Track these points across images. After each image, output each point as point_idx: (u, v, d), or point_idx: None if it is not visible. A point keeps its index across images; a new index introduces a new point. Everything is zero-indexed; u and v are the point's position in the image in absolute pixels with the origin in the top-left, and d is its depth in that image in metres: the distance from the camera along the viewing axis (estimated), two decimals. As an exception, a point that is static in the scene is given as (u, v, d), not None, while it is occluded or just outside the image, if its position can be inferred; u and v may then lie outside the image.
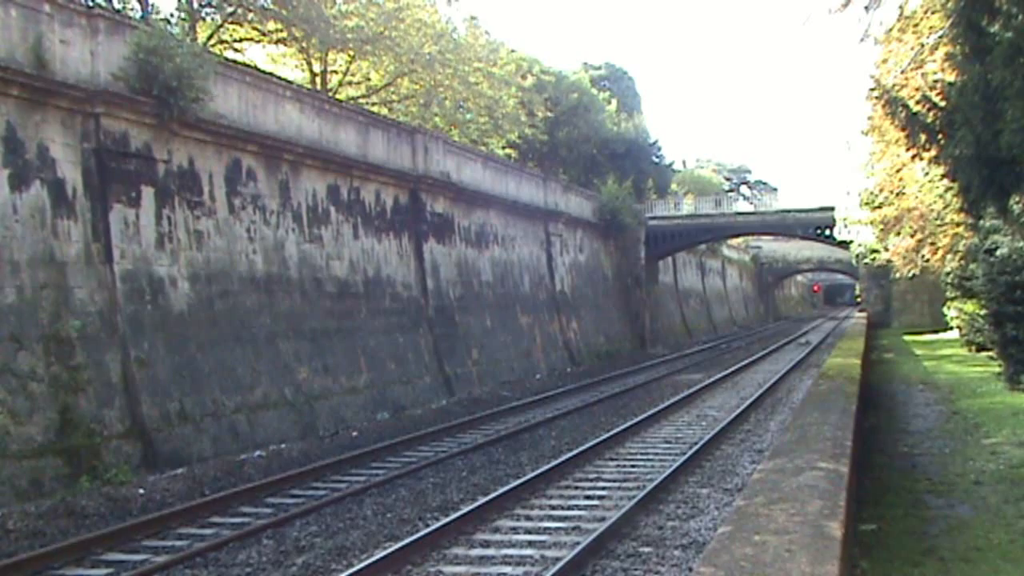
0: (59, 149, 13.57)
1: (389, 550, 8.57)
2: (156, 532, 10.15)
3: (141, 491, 12.16)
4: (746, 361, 31.54)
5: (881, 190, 27.84)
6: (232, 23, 27.28)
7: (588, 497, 11.20)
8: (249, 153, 17.80)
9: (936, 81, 11.63)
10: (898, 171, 24.16)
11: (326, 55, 29.82)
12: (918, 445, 12.90)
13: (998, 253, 17.59)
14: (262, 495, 11.91)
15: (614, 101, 51.56)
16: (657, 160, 54.48)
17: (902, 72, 16.52)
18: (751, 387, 23.37)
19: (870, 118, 22.55)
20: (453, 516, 9.83)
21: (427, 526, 9.74)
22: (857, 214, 34.16)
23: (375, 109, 29.30)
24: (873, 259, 38.69)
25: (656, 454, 14.17)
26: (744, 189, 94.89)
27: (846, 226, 38.46)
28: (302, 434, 16.77)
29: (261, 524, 10.22)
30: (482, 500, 10.64)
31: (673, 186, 60.59)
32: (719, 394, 22.33)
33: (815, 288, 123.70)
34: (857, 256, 43.65)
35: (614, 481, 12.15)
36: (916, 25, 15.80)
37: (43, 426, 12.10)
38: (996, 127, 8.55)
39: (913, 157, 12.42)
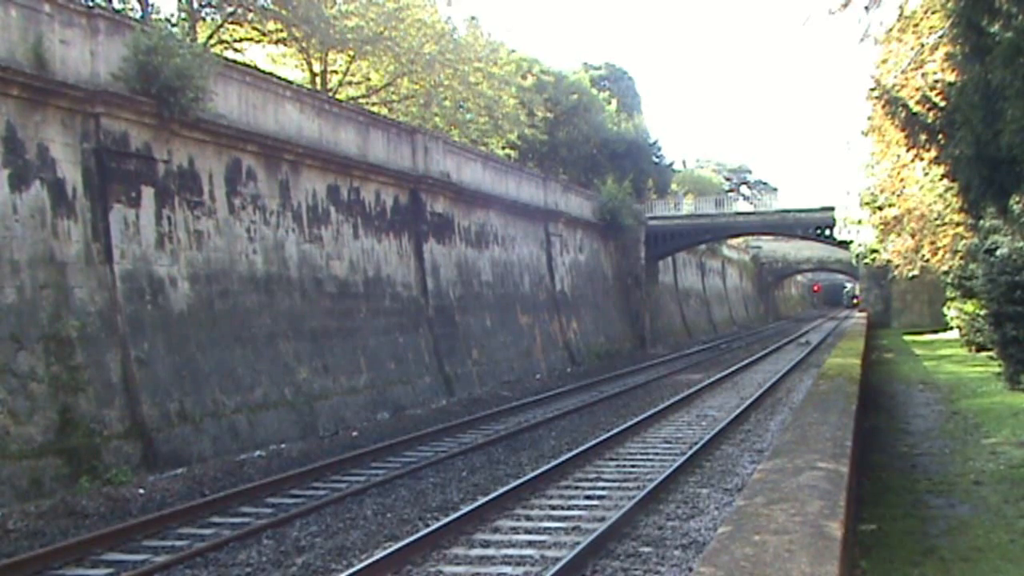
0: (59, 149, 13.57)
1: (389, 550, 8.57)
2: (156, 532, 10.15)
3: (141, 491, 12.16)
4: (746, 361, 31.54)
5: (882, 190, 27.84)
6: (232, 23, 27.28)
7: (588, 497, 11.20)
8: (249, 153, 17.80)
9: (936, 81, 11.64)
10: (898, 172, 24.15)
11: (326, 55, 29.82)
12: (918, 445, 12.90)
13: (998, 253, 17.59)
14: (262, 495, 11.91)
15: (614, 101, 51.55)
16: (657, 160, 54.47)
17: (902, 72, 16.52)
18: (751, 387, 23.37)
19: (870, 118, 22.52)
20: (453, 516, 9.83)
21: (427, 526, 9.74)
22: (857, 214, 34.15)
23: (375, 109, 29.30)
24: (873, 259, 38.67)
25: (656, 454, 14.17)
26: (744, 189, 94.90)
27: (846, 226, 38.44)
28: (302, 434, 16.77)
29: (261, 524, 10.22)
30: (482, 500, 10.64)
31: (673, 186, 60.59)
32: (719, 394, 22.33)
33: (815, 288, 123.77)
34: (857, 256, 43.66)
35: (614, 481, 12.15)
36: (916, 25, 15.80)
37: (43, 426, 12.10)
38: (996, 127, 8.55)
39: (913, 157, 12.44)
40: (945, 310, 36.67)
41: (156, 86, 14.74)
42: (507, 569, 8.33)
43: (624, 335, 41.16)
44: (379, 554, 8.53)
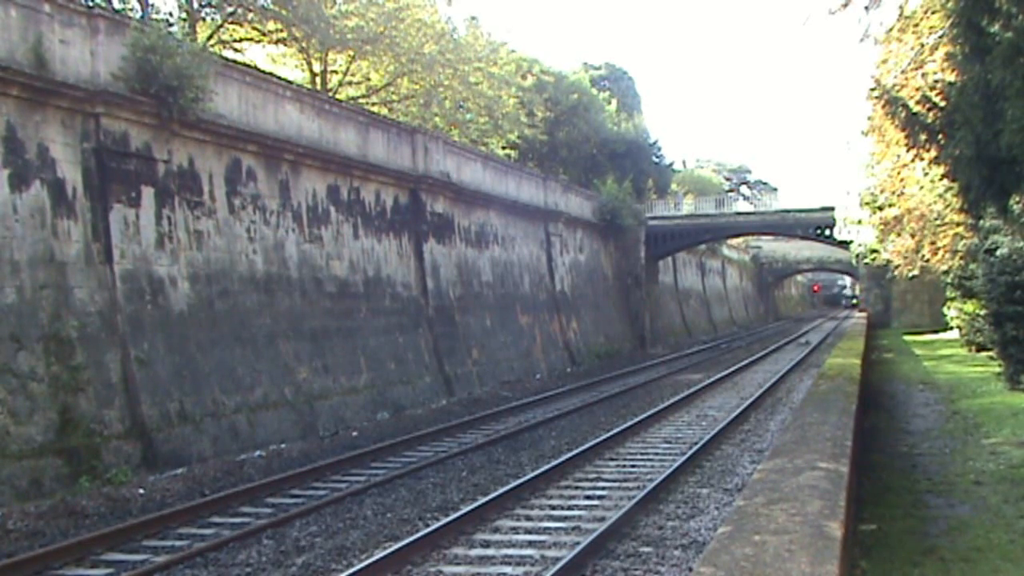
0: (59, 149, 13.57)
1: (389, 550, 8.57)
2: (156, 532, 10.15)
3: (141, 491, 12.16)
4: (746, 361, 31.54)
5: (882, 190, 27.85)
6: (232, 23, 27.27)
7: (588, 497, 11.20)
8: (249, 153, 17.80)
9: (936, 81, 11.63)
10: (898, 172, 24.15)
11: (326, 55, 29.81)
12: (918, 445, 12.90)
13: (998, 253, 17.59)
14: (262, 495, 11.91)
15: (614, 101, 51.55)
16: (657, 160, 54.48)
17: (902, 72, 16.52)
18: (751, 387, 23.37)
19: (870, 118, 22.52)
20: (453, 516, 9.83)
21: (427, 526, 9.75)
22: (857, 214, 34.17)
23: (375, 109, 29.29)
24: (873, 259, 38.69)
25: (656, 454, 14.17)
26: (744, 189, 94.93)
27: (846, 226, 38.46)
28: (302, 434, 16.77)
29: (261, 524, 10.22)
30: (482, 500, 10.64)
31: (673, 186, 60.60)
32: (719, 394, 22.33)
33: (815, 288, 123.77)
34: (857, 256, 43.67)
35: (614, 481, 12.15)
36: (916, 25, 15.80)
37: (43, 426, 12.10)
38: (996, 127, 8.55)
39: (913, 157, 12.42)
40: (945, 310, 36.67)
41: (156, 86, 14.74)
42: (507, 569, 8.33)
43: (624, 335, 41.15)
44: (379, 554, 8.53)
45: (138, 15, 22.50)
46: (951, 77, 10.67)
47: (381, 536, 9.66)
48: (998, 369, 19.14)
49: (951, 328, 35.84)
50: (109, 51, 14.44)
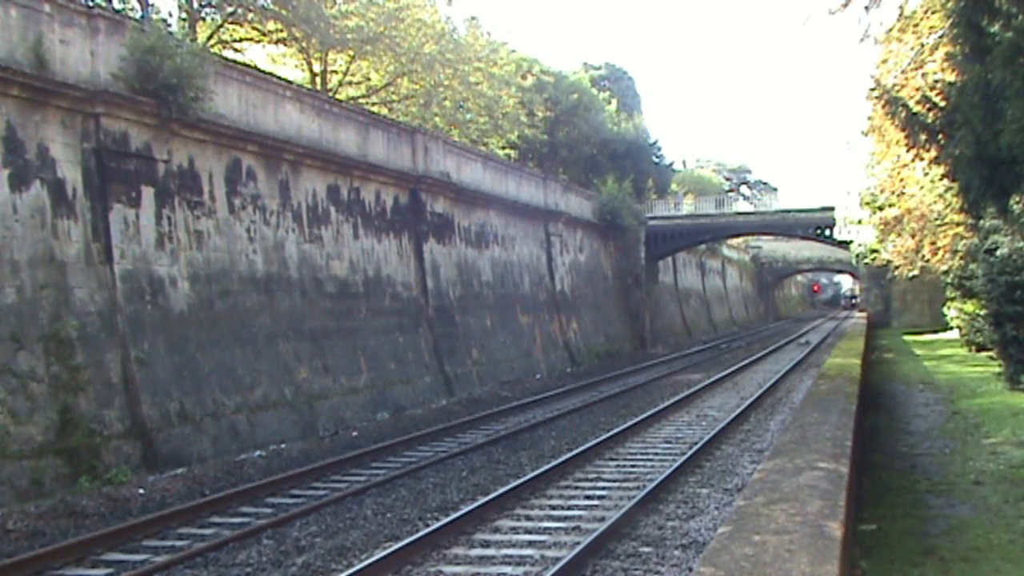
0: (59, 149, 13.57)
1: (389, 550, 8.57)
2: (156, 532, 10.15)
3: (141, 491, 12.16)
4: (746, 361, 31.53)
5: (882, 190, 27.87)
6: (232, 23, 27.29)
7: (588, 497, 11.20)
8: (249, 153, 17.80)
9: (936, 81, 11.64)
10: (898, 172, 24.16)
11: (326, 55, 29.83)
12: (918, 445, 12.90)
13: (998, 253, 17.59)
14: (262, 495, 11.91)
15: (614, 101, 51.56)
16: (657, 160, 54.49)
17: (902, 72, 16.52)
18: (751, 387, 23.36)
19: (870, 118, 22.52)
20: (453, 516, 9.83)
21: (427, 526, 9.74)
22: (857, 214, 34.19)
23: (375, 109, 29.30)
24: (873, 259, 38.71)
25: (656, 454, 14.17)
26: (744, 189, 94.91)
27: (846, 226, 38.48)
28: (302, 434, 16.77)
29: (261, 524, 10.22)
30: (482, 500, 10.64)
31: (673, 186, 60.61)
32: (719, 394, 22.33)
33: (815, 288, 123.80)
34: (857, 256, 43.69)
35: (614, 481, 12.15)
36: (916, 25, 15.81)
37: (43, 426, 12.10)
38: (996, 127, 8.55)
39: (913, 157, 12.44)
40: (945, 310, 36.68)
41: (155, 86, 14.74)
42: (507, 569, 8.33)
43: (624, 335, 41.15)
44: (379, 554, 8.52)
45: (138, 15, 22.50)
46: (951, 77, 10.68)
47: (381, 536, 9.66)
48: (998, 369, 19.13)
49: (951, 328, 35.83)
50: (109, 51, 14.44)
